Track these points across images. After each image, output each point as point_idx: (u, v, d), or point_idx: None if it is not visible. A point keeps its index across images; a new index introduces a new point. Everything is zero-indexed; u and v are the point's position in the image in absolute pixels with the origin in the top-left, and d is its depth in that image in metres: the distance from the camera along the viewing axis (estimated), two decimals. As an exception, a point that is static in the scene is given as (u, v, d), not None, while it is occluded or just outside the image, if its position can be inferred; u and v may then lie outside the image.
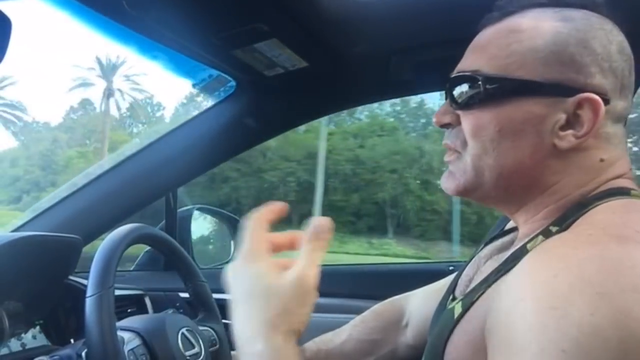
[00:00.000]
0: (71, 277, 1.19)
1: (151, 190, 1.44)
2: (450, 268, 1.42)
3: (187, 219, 1.63)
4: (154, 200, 1.46)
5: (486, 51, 0.65)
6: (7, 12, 0.66)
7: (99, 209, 1.36)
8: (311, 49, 1.17)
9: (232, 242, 1.81)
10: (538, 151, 0.62)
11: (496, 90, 0.63)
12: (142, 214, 1.45)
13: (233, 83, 1.34)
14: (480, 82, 0.63)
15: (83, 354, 0.82)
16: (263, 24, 1.02)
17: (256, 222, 0.57)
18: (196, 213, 1.69)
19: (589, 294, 0.45)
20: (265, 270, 0.54)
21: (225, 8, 0.98)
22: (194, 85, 1.39)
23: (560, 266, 0.48)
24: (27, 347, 1.03)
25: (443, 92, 0.71)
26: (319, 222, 0.56)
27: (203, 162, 1.48)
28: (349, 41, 1.21)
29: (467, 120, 0.65)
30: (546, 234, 0.61)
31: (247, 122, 1.40)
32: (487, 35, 0.66)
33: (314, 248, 0.55)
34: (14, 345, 1.01)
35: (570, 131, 0.61)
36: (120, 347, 0.84)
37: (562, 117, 0.61)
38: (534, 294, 0.48)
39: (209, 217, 1.85)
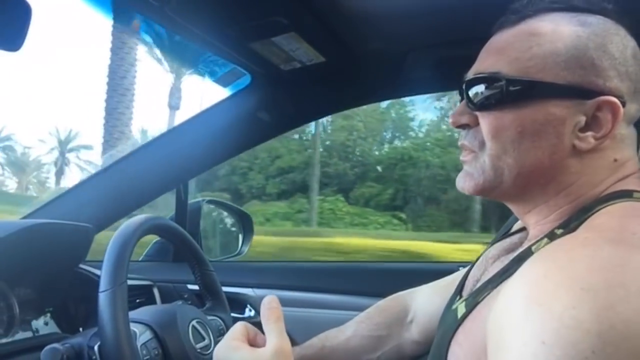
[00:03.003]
0: (82, 266, 1.20)
1: (163, 182, 1.44)
2: (460, 268, 1.41)
3: (197, 211, 1.62)
4: (165, 192, 1.46)
5: (506, 53, 0.66)
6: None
7: (110, 199, 1.37)
8: (329, 44, 1.17)
9: (240, 236, 1.81)
10: (557, 152, 0.63)
11: (518, 92, 0.63)
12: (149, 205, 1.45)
13: (248, 76, 1.33)
14: (501, 84, 0.64)
15: (95, 347, 0.81)
16: (282, 17, 1.02)
17: (241, 326, 0.71)
18: (205, 206, 1.69)
19: (574, 289, 0.45)
20: (249, 352, 0.66)
21: (245, 1, 0.98)
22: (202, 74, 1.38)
23: (551, 266, 0.49)
24: (37, 334, 1.04)
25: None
26: (268, 301, 0.68)
27: (215, 155, 1.48)
28: (366, 37, 1.21)
29: (487, 121, 0.66)
30: (551, 236, 0.62)
31: (261, 115, 1.39)
32: (506, 38, 0.67)
33: (274, 321, 0.67)
34: (25, 331, 1.01)
35: (589, 133, 0.62)
36: (134, 343, 0.84)
37: (582, 119, 0.62)
38: (523, 293, 0.49)
39: (218, 210, 1.85)
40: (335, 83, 1.36)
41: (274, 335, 0.65)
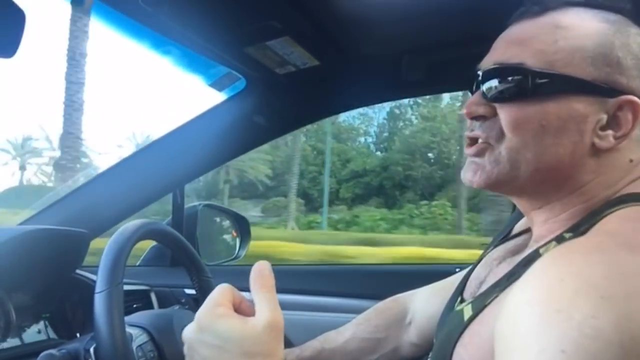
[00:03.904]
0: (78, 271, 1.20)
1: (159, 186, 1.44)
2: (457, 270, 1.41)
3: (194, 215, 1.62)
4: (161, 196, 1.46)
5: (530, 45, 0.64)
6: (22, 5, 0.67)
7: (106, 204, 1.36)
8: (323, 47, 1.17)
9: (237, 240, 1.81)
10: (577, 149, 0.62)
11: (543, 85, 0.62)
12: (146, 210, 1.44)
13: (243, 80, 1.33)
14: (526, 76, 0.63)
15: (91, 349, 0.81)
16: (276, 21, 1.02)
17: (225, 289, 0.60)
18: (202, 210, 1.69)
19: (593, 297, 0.44)
20: (237, 322, 0.56)
21: (239, 5, 0.98)
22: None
23: (567, 271, 0.48)
24: (34, 340, 1.04)
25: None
26: (258, 267, 0.59)
27: (211, 159, 1.47)
28: (360, 40, 1.21)
29: (508, 113, 0.64)
30: (559, 240, 0.61)
31: (256, 119, 1.40)
32: (529, 29, 0.65)
33: (266, 290, 0.58)
34: (21, 338, 1.01)
35: (609, 131, 0.62)
36: (130, 344, 0.84)
37: (603, 117, 0.62)
38: (539, 297, 0.48)
39: (215, 214, 1.85)
40: (330, 86, 1.36)
41: (266, 305, 0.57)
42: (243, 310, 0.59)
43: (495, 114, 0.66)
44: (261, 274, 0.59)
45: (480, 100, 0.67)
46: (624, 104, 0.61)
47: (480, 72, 0.67)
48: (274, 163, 25.50)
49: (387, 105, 26.25)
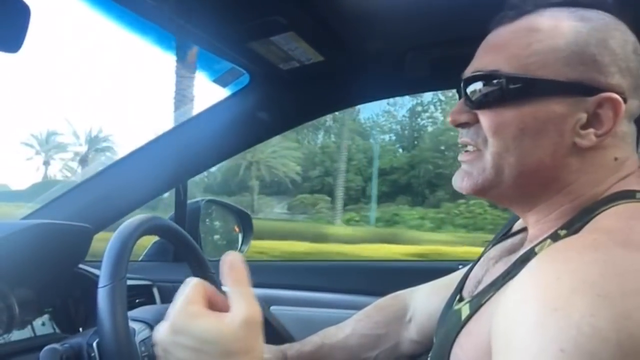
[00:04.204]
0: (81, 266, 1.20)
1: (162, 182, 1.44)
2: (460, 267, 1.41)
3: (196, 211, 1.62)
4: (164, 192, 1.47)
5: (505, 50, 0.65)
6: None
7: (109, 199, 1.36)
8: (327, 43, 1.17)
9: (239, 236, 1.81)
10: (558, 150, 0.63)
11: (518, 90, 0.63)
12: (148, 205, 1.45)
13: (247, 76, 1.33)
14: (501, 82, 0.63)
15: (94, 344, 0.82)
16: (281, 16, 1.02)
17: (196, 285, 0.57)
18: (205, 205, 1.69)
19: (590, 296, 0.45)
20: (212, 320, 0.54)
21: (244, 0, 0.98)
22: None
23: (563, 269, 0.48)
24: (36, 334, 1.04)
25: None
26: (229, 259, 0.56)
27: (214, 155, 1.47)
28: (365, 37, 1.21)
29: (488, 118, 0.65)
30: (554, 237, 0.61)
31: (260, 115, 1.39)
32: (504, 35, 0.66)
33: (240, 284, 0.55)
34: (24, 332, 1.01)
35: (591, 130, 0.62)
36: (133, 339, 0.84)
37: (583, 116, 0.61)
38: (536, 295, 0.48)
39: (217, 209, 1.85)
40: (334, 82, 1.36)
41: (241, 301, 0.54)
42: (217, 304, 0.57)
43: (477, 121, 0.67)
44: (233, 267, 0.56)
45: (462, 108, 0.69)
46: (604, 102, 0.61)
47: (462, 80, 0.68)
48: (301, 160, 25.46)
49: (407, 102, 26.12)
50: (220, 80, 1.39)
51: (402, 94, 1.67)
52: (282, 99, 1.39)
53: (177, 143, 1.41)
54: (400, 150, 26.25)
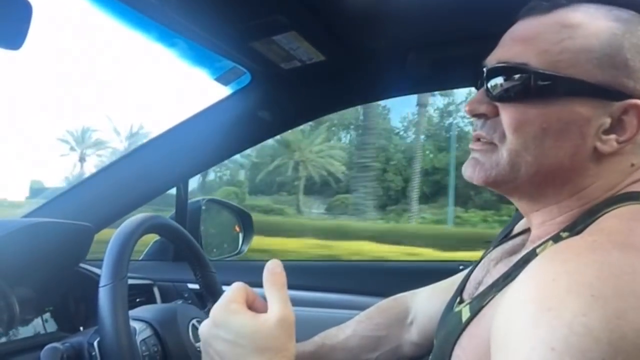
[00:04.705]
0: (82, 265, 1.20)
1: (163, 180, 1.44)
2: (461, 267, 1.41)
3: (197, 210, 1.62)
4: (165, 191, 1.46)
5: (535, 44, 0.62)
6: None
7: (110, 198, 1.36)
8: (329, 43, 1.17)
9: (240, 235, 1.81)
10: (579, 153, 0.61)
11: (545, 87, 0.60)
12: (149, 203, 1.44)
13: (248, 75, 1.33)
14: (528, 76, 0.61)
15: (95, 343, 0.81)
16: (283, 16, 1.02)
17: (239, 287, 0.63)
18: (206, 205, 1.69)
19: (584, 296, 0.44)
20: (249, 317, 0.59)
21: (246, -1, 0.98)
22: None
23: (560, 270, 0.48)
24: (37, 333, 1.04)
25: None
26: (271, 265, 0.62)
27: (215, 154, 1.47)
28: (366, 36, 1.21)
29: (509, 114, 0.63)
30: (556, 239, 0.60)
31: (261, 114, 1.39)
32: (535, 26, 0.63)
33: (279, 288, 0.61)
34: (25, 331, 1.01)
35: (613, 135, 0.60)
36: (133, 338, 0.84)
37: (607, 120, 0.60)
38: (532, 296, 0.48)
39: (218, 209, 1.85)
40: (335, 82, 1.36)
41: (278, 302, 0.60)
42: (256, 307, 0.62)
43: (497, 114, 0.65)
44: (273, 272, 0.62)
45: (483, 98, 0.66)
46: (630, 108, 0.59)
47: (484, 69, 0.66)
48: (345, 159, 25.23)
49: (438, 102, 25.73)
50: (222, 79, 1.38)
51: (403, 94, 1.65)
52: (283, 98, 1.39)
53: (178, 142, 1.41)
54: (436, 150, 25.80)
